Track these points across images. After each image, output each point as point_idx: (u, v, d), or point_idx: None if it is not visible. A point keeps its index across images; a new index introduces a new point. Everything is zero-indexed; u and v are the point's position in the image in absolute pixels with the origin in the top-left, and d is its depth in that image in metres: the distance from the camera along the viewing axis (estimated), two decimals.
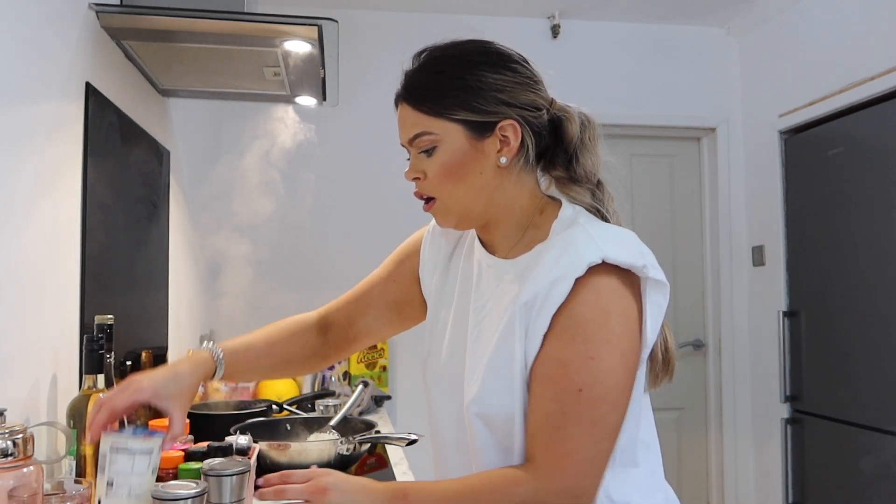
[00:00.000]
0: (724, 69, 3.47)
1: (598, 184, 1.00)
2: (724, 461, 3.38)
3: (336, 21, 1.66)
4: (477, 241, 1.03)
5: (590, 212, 0.97)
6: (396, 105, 0.98)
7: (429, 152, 0.93)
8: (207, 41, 1.68)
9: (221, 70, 1.90)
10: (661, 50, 3.42)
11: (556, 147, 0.98)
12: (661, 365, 0.97)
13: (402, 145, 0.98)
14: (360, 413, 2.25)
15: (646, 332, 0.89)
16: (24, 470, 0.90)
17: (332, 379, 2.59)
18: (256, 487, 0.93)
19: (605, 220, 0.97)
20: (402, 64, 0.99)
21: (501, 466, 0.91)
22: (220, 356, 1.06)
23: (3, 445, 0.89)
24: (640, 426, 0.97)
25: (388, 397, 2.55)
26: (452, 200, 0.95)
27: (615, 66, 3.38)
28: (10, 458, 0.89)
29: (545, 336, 0.87)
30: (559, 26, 3.31)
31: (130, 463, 0.91)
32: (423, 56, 0.97)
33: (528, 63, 0.98)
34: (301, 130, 3.03)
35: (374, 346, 2.83)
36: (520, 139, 0.93)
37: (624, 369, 0.86)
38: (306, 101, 2.21)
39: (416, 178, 0.96)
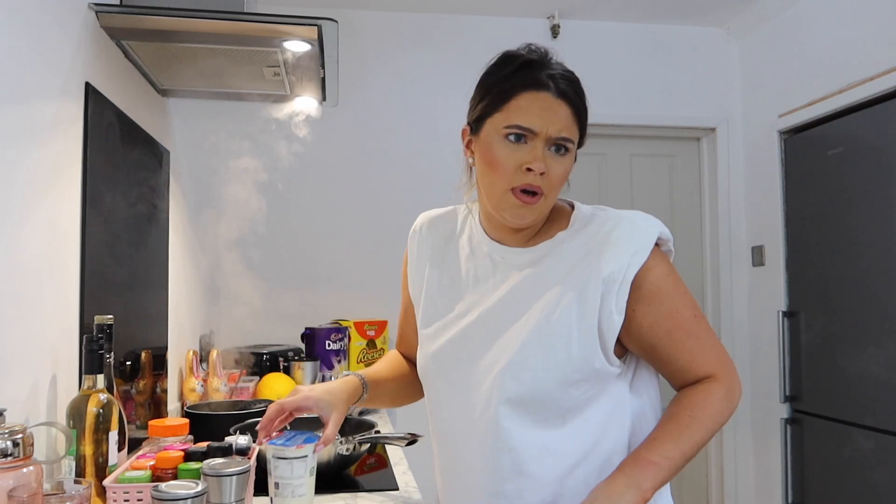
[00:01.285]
0: (723, 69, 3.47)
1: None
2: (724, 461, 3.38)
3: (336, 21, 1.66)
4: (478, 234, 1.11)
5: None
6: (552, 92, 0.99)
7: (562, 155, 1.01)
8: (207, 41, 1.68)
9: (221, 70, 1.90)
10: (660, 50, 3.42)
11: None
12: None
13: (531, 129, 0.98)
14: (360, 413, 2.26)
15: None
16: (24, 470, 0.90)
17: (332, 379, 2.59)
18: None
19: None
20: (552, 54, 1.05)
21: (537, 442, 1.00)
22: (366, 382, 1.20)
23: (3, 445, 0.89)
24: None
25: None
26: (549, 204, 1.03)
27: (615, 67, 3.38)
28: (9, 459, 0.89)
29: (631, 301, 0.99)
30: (559, 26, 3.31)
31: (290, 468, 1.05)
32: (573, 75, 1.03)
33: None
34: (301, 130, 3.04)
35: (374, 346, 2.83)
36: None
37: (694, 299, 1.06)
38: (306, 101, 2.21)
39: (542, 172, 0.99)
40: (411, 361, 1.29)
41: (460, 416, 1.06)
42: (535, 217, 1.02)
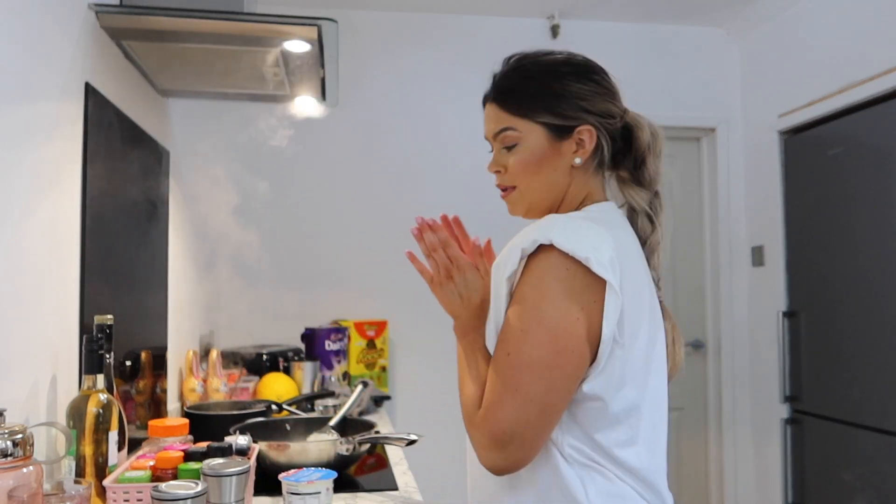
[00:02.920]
0: (723, 69, 3.47)
1: (656, 193, 1.09)
2: (724, 461, 3.38)
3: (335, 21, 1.66)
4: None
5: (644, 214, 1.08)
6: (484, 104, 1.10)
7: (510, 148, 1.05)
8: (207, 41, 1.68)
9: (221, 70, 1.90)
10: (660, 50, 3.42)
11: (626, 151, 1.08)
12: (673, 366, 1.08)
13: (486, 138, 1.10)
14: (360, 413, 2.26)
15: (604, 329, 0.92)
16: (24, 470, 0.90)
17: (332, 379, 2.59)
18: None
19: (650, 226, 1.08)
20: (492, 69, 1.11)
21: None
22: None
23: (3, 446, 0.89)
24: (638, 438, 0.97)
25: (388, 397, 2.55)
26: (528, 191, 1.06)
27: (615, 67, 3.33)
28: (9, 459, 0.89)
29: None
30: (559, 26, 3.31)
31: None
32: (512, 61, 1.09)
33: (607, 75, 1.10)
34: (301, 130, 3.04)
35: (374, 347, 2.83)
36: (594, 143, 1.04)
37: (553, 347, 0.91)
38: (306, 100, 2.21)
39: (497, 171, 1.08)
40: None
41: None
42: (519, 208, 1.09)
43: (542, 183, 1.05)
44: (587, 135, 1.03)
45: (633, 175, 1.08)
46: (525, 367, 0.91)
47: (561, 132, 1.03)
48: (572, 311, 0.92)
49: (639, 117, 1.09)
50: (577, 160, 1.04)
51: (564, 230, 0.93)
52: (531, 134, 1.04)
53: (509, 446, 0.91)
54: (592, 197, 1.07)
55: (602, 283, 0.92)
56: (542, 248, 0.93)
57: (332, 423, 1.63)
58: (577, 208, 1.05)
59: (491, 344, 1.00)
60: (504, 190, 1.08)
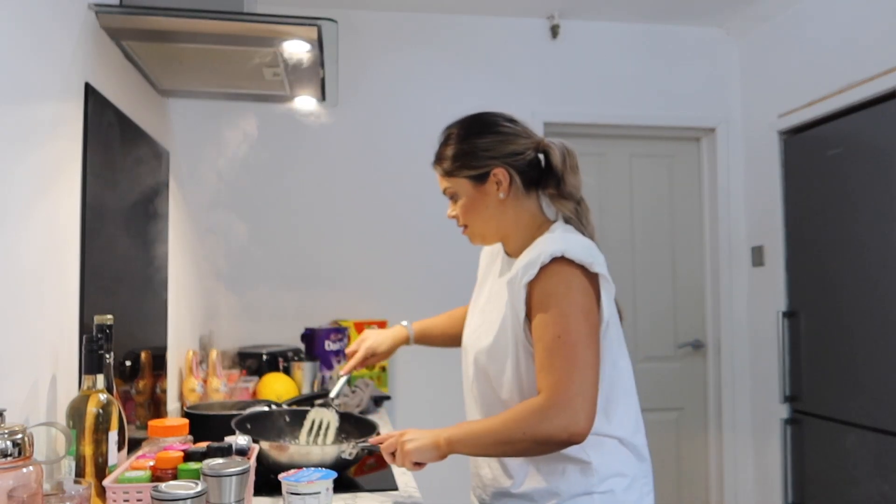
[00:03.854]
0: (723, 69, 3.47)
1: (580, 201, 1.34)
2: (724, 461, 3.38)
3: (335, 21, 1.66)
4: (503, 251, 1.43)
5: (571, 220, 1.33)
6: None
7: (454, 198, 1.36)
8: (207, 41, 1.68)
9: (221, 70, 1.90)
10: (660, 50, 3.42)
11: (548, 173, 1.33)
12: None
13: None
14: (361, 413, 2.25)
15: (603, 311, 1.22)
16: (24, 470, 0.90)
17: (332, 379, 2.59)
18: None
19: (583, 227, 1.32)
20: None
21: (495, 405, 1.31)
22: (412, 330, 1.68)
23: (3, 446, 0.89)
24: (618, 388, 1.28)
25: (388, 398, 2.55)
26: (476, 227, 1.37)
27: (614, 67, 3.38)
28: (9, 459, 0.89)
29: (527, 311, 1.23)
30: (558, 26, 3.31)
31: None
32: (444, 131, 1.38)
33: (508, 123, 1.34)
34: (300, 130, 3.04)
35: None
36: (509, 179, 1.30)
37: (588, 323, 1.19)
38: (306, 101, 2.21)
39: (454, 216, 1.38)
40: None
41: (463, 379, 1.43)
42: (476, 240, 1.39)
43: (483, 219, 1.34)
44: (501, 174, 1.30)
45: (558, 190, 1.32)
46: (577, 343, 1.16)
47: (480, 179, 1.31)
48: (590, 299, 1.20)
49: (551, 143, 1.32)
50: (501, 195, 1.31)
51: (571, 245, 1.21)
52: (461, 187, 1.33)
53: (586, 409, 1.14)
54: (536, 216, 1.34)
55: (596, 280, 1.21)
56: (555, 260, 1.19)
57: (332, 394, 1.63)
58: (533, 226, 1.32)
59: (509, 338, 1.26)
60: (463, 228, 1.38)
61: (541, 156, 1.33)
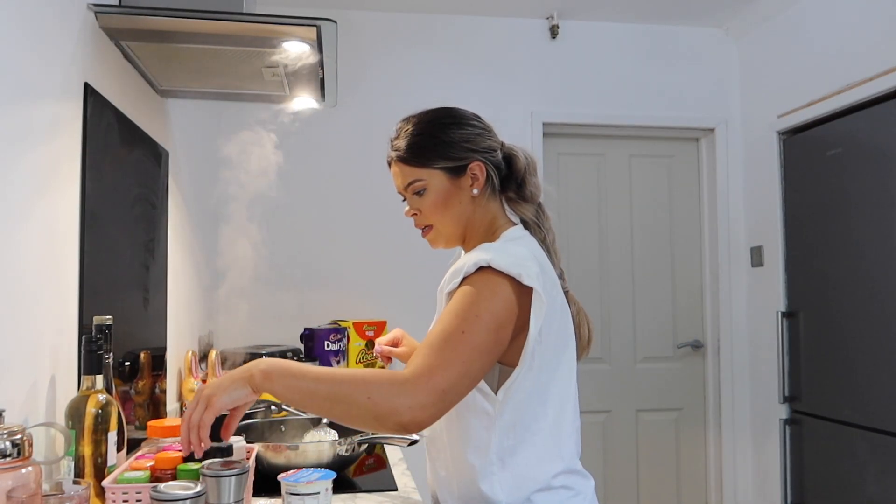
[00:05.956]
0: (722, 70, 3.47)
1: (540, 205, 1.32)
2: (723, 462, 3.39)
3: (335, 22, 1.66)
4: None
5: (533, 224, 1.29)
6: (389, 165, 1.32)
7: (420, 193, 1.26)
8: (206, 42, 1.68)
9: (220, 71, 1.90)
10: (659, 50, 3.42)
11: (508, 177, 1.30)
12: (586, 342, 1.31)
13: (399, 192, 1.31)
14: None
15: (531, 327, 1.11)
16: (23, 471, 0.90)
17: None
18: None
19: (542, 230, 1.29)
20: (386, 134, 1.36)
21: (447, 420, 1.19)
22: None
23: (2, 446, 0.89)
24: (566, 410, 1.21)
25: None
26: (443, 225, 1.27)
27: (613, 67, 3.38)
28: (8, 459, 0.89)
29: None
30: (557, 27, 3.31)
31: None
32: (402, 124, 1.31)
33: (480, 119, 1.31)
34: (300, 131, 3.04)
35: (373, 347, 2.83)
36: (485, 174, 1.26)
37: (495, 338, 1.09)
38: (305, 101, 2.21)
39: (413, 215, 1.29)
40: None
41: None
42: (439, 242, 1.30)
43: (451, 216, 1.26)
44: (478, 169, 1.25)
45: (518, 193, 1.30)
46: (474, 347, 1.06)
47: (456, 171, 1.25)
48: (510, 314, 1.10)
49: (514, 147, 1.30)
50: (475, 191, 1.25)
51: (499, 254, 1.13)
52: (434, 179, 1.25)
53: (440, 404, 1.02)
54: (497, 219, 1.28)
55: (529, 291, 1.11)
56: (481, 269, 1.12)
57: (326, 419, 1.63)
58: (489, 231, 1.27)
59: None
60: (423, 229, 1.29)
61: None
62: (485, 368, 1.08)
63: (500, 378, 1.16)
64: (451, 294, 1.15)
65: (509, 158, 1.30)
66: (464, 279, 1.13)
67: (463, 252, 1.34)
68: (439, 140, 1.26)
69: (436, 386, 1.01)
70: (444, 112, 1.31)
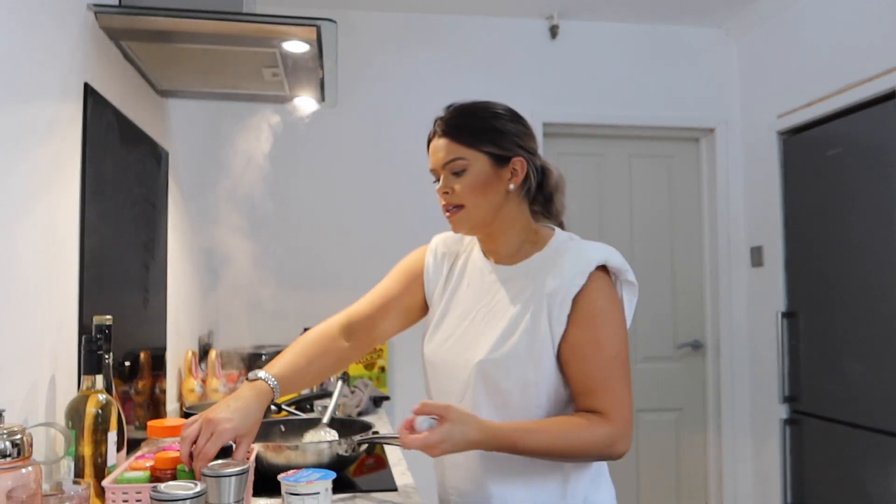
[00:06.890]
0: (722, 70, 3.47)
1: (561, 224, 1.35)
2: (723, 462, 3.39)
3: (335, 22, 1.66)
4: (477, 253, 1.36)
5: None
6: (430, 141, 1.31)
7: (458, 174, 1.25)
8: (206, 42, 1.68)
9: (220, 71, 1.90)
10: (659, 51, 3.42)
11: (539, 188, 1.32)
12: None
13: (433, 169, 1.29)
14: (359, 414, 2.25)
15: (626, 320, 1.24)
16: (23, 471, 0.90)
17: (331, 380, 2.59)
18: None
19: None
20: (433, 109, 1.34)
21: (493, 415, 1.22)
22: (276, 384, 1.25)
23: (2, 446, 0.89)
24: None
25: (387, 398, 2.55)
26: (476, 208, 1.25)
27: (614, 67, 3.38)
28: (8, 459, 0.89)
29: (569, 320, 1.19)
30: (558, 27, 3.31)
31: None
32: (457, 106, 1.29)
33: (529, 125, 1.32)
34: (300, 131, 3.03)
35: (374, 348, 2.83)
36: (525, 172, 1.26)
37: (627, 343, 1.23)
38: (305, 101, 2.21)
39: (445, 192, 1.27)
40: (346, 333, 1.43)
41: (447, 397, 1.29)
42: (464, 225, 1.27)
43: (486, 202, 1.25)
44: (520, 165, 1.26)
45: (545, 207, 1.33)
46: (625, 362, 1.20)
47: (501, 161, 1.25)
48: (623, 311, 1.24)
49: (548, 162, 1.33)
50: (512, 186, 1.25)
51: (607, 251, 1.22)
52: (477, 161, 1.24)
53: (631, 430, 1.19)
54: (528, 222, 1.30)
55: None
56: (597, 269, 1.20)
57: (325, 419, 1.63)
58: (527, 230, 1.29)
59: (533, 347, 1.20)
60: (450, 210, 1.27)
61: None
62: None
63: None
64: (574, 298, 1.19)
65: (543, 171, 1.32)
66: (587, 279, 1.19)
67: (476, 241, 1.36)
68: (492, 126, 1.26)
69: (630, 416, 1.19)
70: (501, 105, 1.32)
